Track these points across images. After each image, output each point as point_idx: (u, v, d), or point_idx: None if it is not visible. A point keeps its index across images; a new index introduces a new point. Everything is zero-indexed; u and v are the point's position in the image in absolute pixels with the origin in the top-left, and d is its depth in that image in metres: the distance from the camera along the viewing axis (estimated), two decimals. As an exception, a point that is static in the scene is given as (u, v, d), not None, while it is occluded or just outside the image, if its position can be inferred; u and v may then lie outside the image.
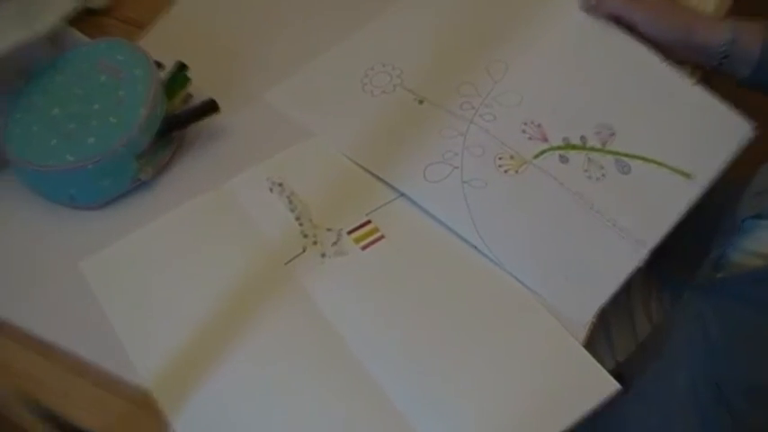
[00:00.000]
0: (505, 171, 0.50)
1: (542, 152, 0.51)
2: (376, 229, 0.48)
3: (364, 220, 0.49)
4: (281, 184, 0.51)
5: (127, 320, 0.45)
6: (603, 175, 0.50)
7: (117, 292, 0.46)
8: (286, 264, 0.47)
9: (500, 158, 0.51)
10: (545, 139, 0.52)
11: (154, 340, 0.44)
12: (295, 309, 0.45)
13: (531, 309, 0.45)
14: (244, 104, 0.55)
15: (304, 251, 0.47)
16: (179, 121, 0.52)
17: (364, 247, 0.47)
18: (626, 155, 0.51)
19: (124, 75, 0.49)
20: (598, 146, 0.51)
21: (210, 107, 0.52)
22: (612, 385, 0.42)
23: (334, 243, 0.47)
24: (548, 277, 0.46)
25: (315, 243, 0.47)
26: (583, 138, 0.52)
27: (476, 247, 0.47)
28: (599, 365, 0.43)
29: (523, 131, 0.52)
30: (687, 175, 0.50)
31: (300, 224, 0.48)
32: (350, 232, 0.48)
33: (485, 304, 0.45)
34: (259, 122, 0.54)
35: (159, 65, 0.52)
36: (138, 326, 0.44)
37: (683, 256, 0.54)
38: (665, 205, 0.49)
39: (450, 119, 0.53)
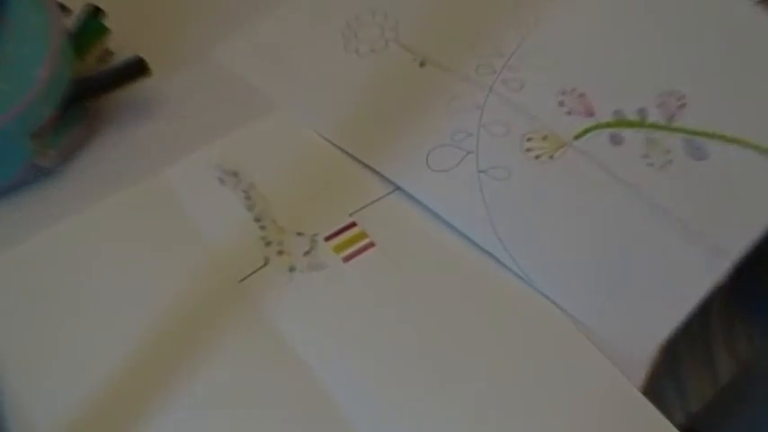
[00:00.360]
0: (537, 156, 0.49)
1: (587, 131, 0.50)
2: (363, 234, 0.47)
3: (347, 222, 0.47)
4: (235, 174, 0.49)
5: (20, 362, 0.43)
6: (670, 162, 0.49)
7: (5, 322, 0.44)
8: (241, 281, 0.45)
9: (529, 139, 0.50)
10: (590, 114, 0.50)
11: (61, 388, 0.42)
12: (254, 341, 0.43)
13: (571, 340, 0.43)
14: (183, 65, 0.53)
15: (266, 264, 0.46)
16: (93, 86, 0.50)
17: (347, 258, 0.46)
18: (701, 133, 0.49)
19: (13, 22, 0.47)
20: (662, 122, 0.50)
21: (137, 68, 0.50)
22: (683, 445, 0.41)
23: (307, 252, 0.46)
24: (593, 298, 0.44)
25: (280, 253, 0.46)
26: (642, 111, 0.50)
27: (496, 259, 0.46)
28: (664, 418, 0.41)
29: (561, 103, 0.51)
30: (787, 160, 0.49)
31: (261, 227, 0.47)
32: (328, 238, 0.47)
33: (507, 335, 0.44)
34: (204, 90, 0.53)
35: (64, 8, 0.50)
36: (36, 369, 0.43)
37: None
38: (756, 201, 0.47)
39: (462, 86, 0.51)
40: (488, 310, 0.45)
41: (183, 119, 0.52)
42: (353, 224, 0.47)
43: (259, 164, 0.50)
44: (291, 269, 0.46)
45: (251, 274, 0.45)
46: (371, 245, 0.47)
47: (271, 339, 0.43)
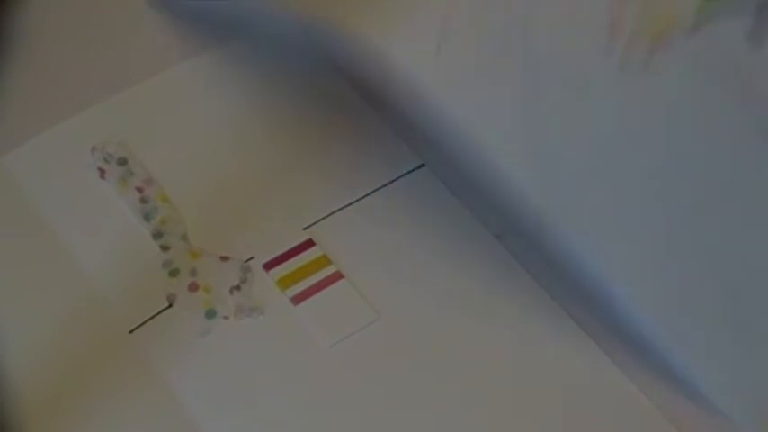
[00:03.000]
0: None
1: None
2: (324, 260, 0.41)
3: (301, 239, 0.42)
4: (123, 162, 0.44)
5: None
6: None
7: None
8: (132, 332, 0.39)
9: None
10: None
11: None
12: (149, 426, 0.37)
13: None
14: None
15: (171, 306, 0.40)
16: None
17: (299, 298, 0.40)
18: None
19: None
20: None
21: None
22: None
23: (236, 288, 0.40)
24: (740, 352, 0.36)
25: (194, 288, 0.41)
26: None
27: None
28: None
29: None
30: None
31: (164, 248, 0.42)
32: (269, 266, 0.41)
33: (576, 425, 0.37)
34: (76, 21, 0.47)
35: None
36: None
37: None
38: None
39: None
40: (536, 381, 0.37)
41: (40, 72, 0.46)
42: (310, 243, 0.41)
43: (161, 146, 0.44)
44: (210, 314, 0.40)
45: (147, 322, 0.40)
46: (337, 276, 0.41)
47: (174, 426, 0.37)
